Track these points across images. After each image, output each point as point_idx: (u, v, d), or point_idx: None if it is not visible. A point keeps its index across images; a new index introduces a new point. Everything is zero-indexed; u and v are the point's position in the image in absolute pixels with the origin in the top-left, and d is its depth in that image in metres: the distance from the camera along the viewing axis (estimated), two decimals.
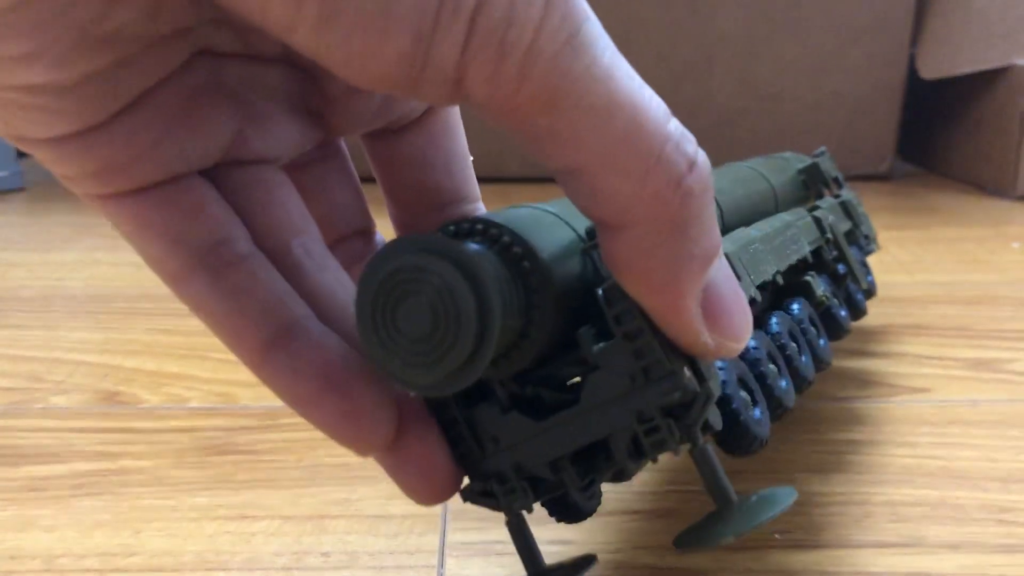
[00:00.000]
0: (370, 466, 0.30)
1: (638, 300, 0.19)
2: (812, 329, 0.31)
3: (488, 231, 0.19)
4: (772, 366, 0.27)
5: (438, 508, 0.31)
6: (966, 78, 0.83)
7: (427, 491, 0.22)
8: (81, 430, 0.36)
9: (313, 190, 0.24)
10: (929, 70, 0.84)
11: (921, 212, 0.79)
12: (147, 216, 0.20)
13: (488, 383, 0.21)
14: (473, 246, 0.19)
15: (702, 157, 0.18)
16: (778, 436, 0.36)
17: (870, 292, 0.41)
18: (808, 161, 0.43)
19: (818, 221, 0.36)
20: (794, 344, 0.29)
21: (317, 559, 0.28)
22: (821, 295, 0.32)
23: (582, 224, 0.21)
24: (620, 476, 0.23)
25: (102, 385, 0.41)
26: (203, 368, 0.42)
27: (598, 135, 0.16)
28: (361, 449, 0.21)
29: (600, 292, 0.20)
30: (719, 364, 0.24)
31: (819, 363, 0.30)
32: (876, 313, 0.51)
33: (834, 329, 0.33)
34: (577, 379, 0.21)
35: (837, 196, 0.42)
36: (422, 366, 0.17)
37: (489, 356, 0.17)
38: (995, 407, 0.40)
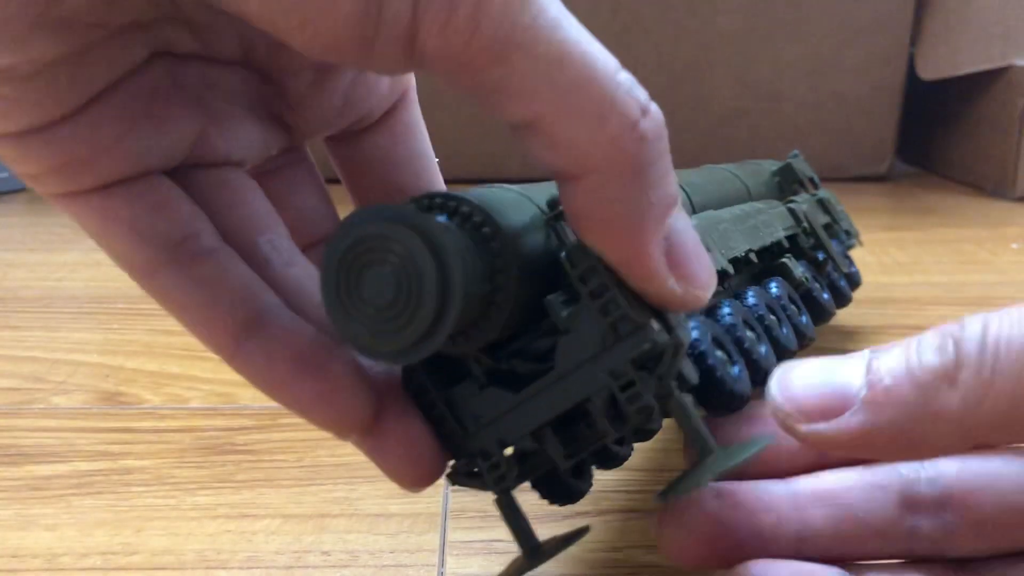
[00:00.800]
0: (370, 465, 0.30)
1: (602, 252, 0.19)
2: (792, 306, 0.31)
3: (447, 203, 0.20)
4: (750, 332, 0.27)
5: (438, 507, 0.31)
6: (965, 78, 0.83)
7: (411, 474, 0.22)
8: (82, 430, 0.37)
9: (280, 196, 0.24)
10: (928, 71, 0.84)
11: (920, 212, 0.79)
12: (113, 212, 0.20)
13: (463, 362, 0.21)
14: (435, 216, 0.19)
15: (654, 106, 0.18)
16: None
17: (853, 280, 0.41)
18: (781, 163, 0.44)
19: (792, 211, 0.36)
20: (773, 317, 0.29)
21: (317, 558, 0.28)
22: (800, 276, 0.33)
23: (541, 200, 0.22)
24: (610, 458, 0.23)
25: (103, 385, 0.41)
26: (204, 368, 0.42)
27: (551, 83, 0.17)
28: (339, 430, 0.21)
29: (563, 254, 0.20)
30: (692, 325, 0.24)
31: (802, 338, 0.30)
32: (875, 314, 0.51)
33: (817, 311, 0.34)
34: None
35: (814, 195, 0.42)
36: (387, 333, 0.18)
37: (451, 322, 0.17)
38: None
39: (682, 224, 0.19)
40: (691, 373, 0.22)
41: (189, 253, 0.21)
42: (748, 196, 0.38)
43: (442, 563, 0.28)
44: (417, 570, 0.28)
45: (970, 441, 0.20)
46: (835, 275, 0.38)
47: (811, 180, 0.43)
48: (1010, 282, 0.59)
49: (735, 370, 0.25)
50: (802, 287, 0.33)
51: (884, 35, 0.84)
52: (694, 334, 0.24)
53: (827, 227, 0.40)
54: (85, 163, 0.19)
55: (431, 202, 0.20)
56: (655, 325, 0.20)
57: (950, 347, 0.19)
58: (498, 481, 0.22)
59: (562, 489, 0.24)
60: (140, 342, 0.46)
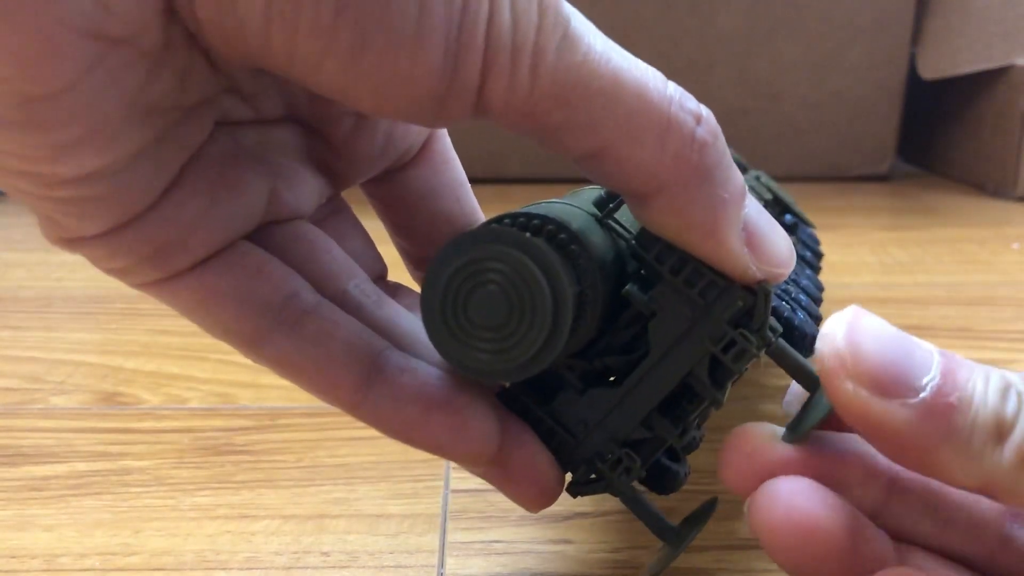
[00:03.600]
0: (370, 466, 0.30)
1: (687, 251, 0.20)
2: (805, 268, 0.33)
3: (531, 222, 0.20)
4: (784, 303, 0.27)
5: (438, 508, 0.31)
6: (966, 78, 0.83)
7: (538, 496, 0.23)
8: (81, 430, 0.36)
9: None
10: (929, 70, 0.84)
11: (921, 212, 0.79)
12: (211, 287, 0.20)
13: (554, 374, 0.22)
14: (533, 236, 0.19)
15: (705, 109, 0.19)
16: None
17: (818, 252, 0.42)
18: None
19: (751, 187, 0.37)
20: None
21: (317, 558, 0.28)
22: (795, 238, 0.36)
23: (590, 205, 0.22)
24: (713, 405, 0.23)
25: (102, 386, 0.41)
26: (202, 368, 0.42)
27: (609, 115, 0.17)
28: (474, 461, 0.22)
29: (634, 242, 0.21)
30: None
31: (815, 300, 0.31)
32: (876, 313, 0.51)
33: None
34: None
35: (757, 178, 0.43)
36: (498, 353, 0.19)
37: (564, 340, 0.18)
38: None
39: (754, 208, 0.20)
40: (775, 324, 0.22)
41: (294, 314, 0.21)
42: None
43: (442, 564, 0.28)
44: (417, 571, 0.28)
45: (987, 494, 0.19)
46: (804, 233, 0.40)
47: (739, 164, 0.45)
48: (1011, 282, 0.59)
49: (800, 316, 0.26)
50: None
51: (885, 35, 0.84)
52: None
53: (774, 201, 0.40)
54: (176, 245, 0.19)
55: (515, 221, 0.20)
56: (738, 285, 0.20)
57: (1013, 400, 0.19)
58: (624, 476, 0.22)
59: (667, 476, 0.24)
60: (139, 342, 0.46)
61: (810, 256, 0.37)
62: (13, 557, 0.28)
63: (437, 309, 0.19)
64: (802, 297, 0.29)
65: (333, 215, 0.25)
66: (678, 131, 0.18)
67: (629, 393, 0.22)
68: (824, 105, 0.86)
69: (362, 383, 0.21)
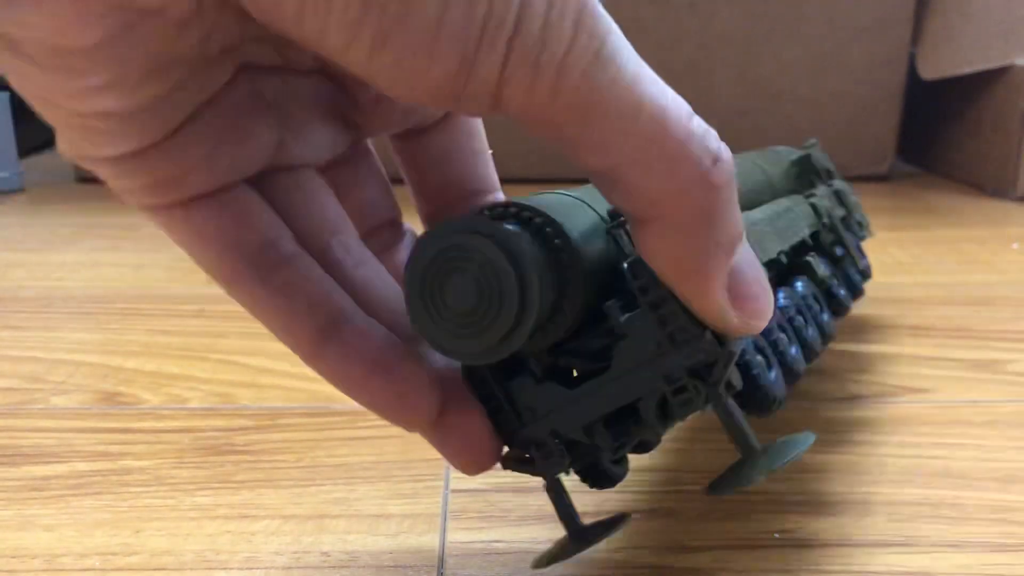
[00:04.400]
0: (369, 465, 0.30)
1: (669, 286, 0.20)
2: (816, 305, 0.32)
3: (521, 213, 0.21)
4: (783, 334, 0.28)
5: (438, 508, 0.31)
6: (966, 78, 0.83)
7: (471, 460, 0.23)
8: (81, 430, 0.37)
9: (346, 187, 0.25)
10: (929, 70, 0.84)
11: (921, 212, 0.79)
12: (200, 224, 0.21)
13: (522, 357, 0.23)
14: (512, 227, 0.20)
15: (725, 152, 0.19)
16: (777, 435, 0.36)
17: (865, 274, 0.42)
18: (800, 153, 0.43)
19: (815, 207, 0.37)
20: (801, 317, 0.30)
21: (317, 558, 0.28)
22: (823, 274, 0.34)
23: (604, 207, 0.23)
24: (645, 446, 0.24)
25: (102, 385, 0.41)
26: (203, 368, 0.42)
27: (626, 139, 0.18)
28: (409, 424, 0.22)
29: (625, 266, 0.21)
30: None
31: (824, 336, 0.31)
32: (876, 314, 0.51)
33: (835, 306, 0.35)
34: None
35: (830, 185, 0.43)
36: (468, 337, 0.19)
37: (529, 328, 0.19)
38: (995, 407, 0.40)
39: (746, 258, 0.20)
40: (737, 380, 0.23)
41: (271, 261, 0.22)
42: (770, 187, 0.39)
43: (442, 564, 0.28)
44: (417, 571, 0.28)
45: None
46: (851, 270, 0.39)
47: (827, 171, 0.44)
48: (1010, 282, 0.59)
49: (772, 375, 0.26)
50: (823, 285, 0.34)
51: (885, 35, 0.84)
52: (741, 341, 0.25)
53: (843, 220, 0.40)
54: (173, 181, 0.20)
55: (505, 211, 0.21)
56: (709, 336, 0.21)
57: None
58: (550, 468, 0.23)
59: (604, 475, 0.25)
60: (139, 342, 0.46)
61: (843, 294, 0.36)
62: (14, 557, 0.28)
63: (416, 290, 0.19)
64: (793, 350, 0.28)
65: (352, 160, 0.25)
66: (691, 166, 0.18)
67: (581, 398, 0.22)
68: (824, 105, 0.86)
69: (319, 338, 0.22)
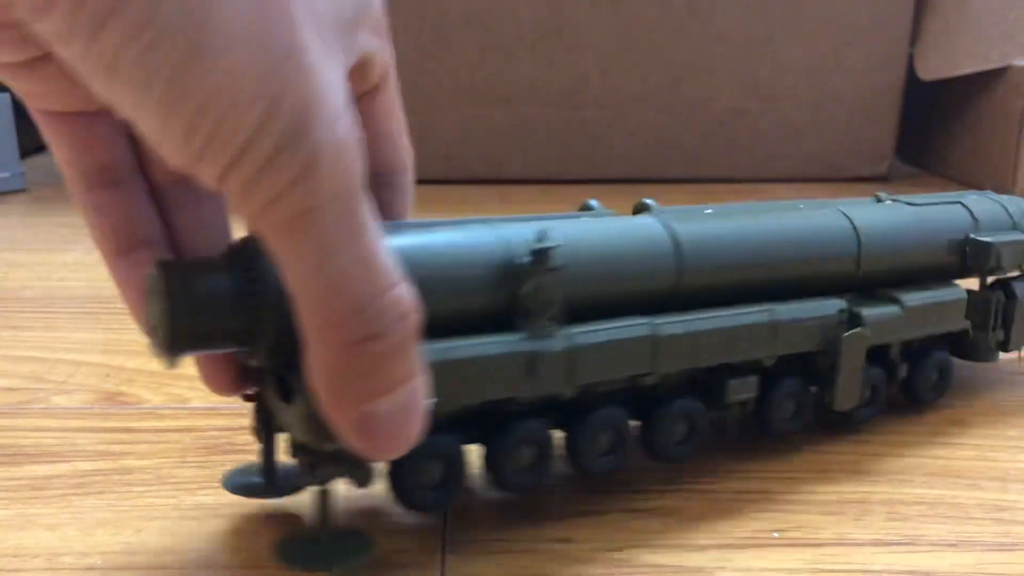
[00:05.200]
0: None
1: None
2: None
3: (235, 257, 0.25)
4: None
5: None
6: (965, 79, 0.83)
7: (207, 382, 0.28)
8: (83, 430, 0.37)
9: None
10: (928, 71, 0.84)
11: None
12: (63, 134, 0.26)
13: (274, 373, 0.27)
14: (185, 264, 0.25)
15: (390, 327, 0.21)
16: (777, 435, 0.36)
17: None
18: (1006, 208, 0.41)
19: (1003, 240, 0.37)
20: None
21: None
22: (728, 399, 0.33)
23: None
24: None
25: (104, 385, 0.41)
26: None
27: (304, 287, 0.21)
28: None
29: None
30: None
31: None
32: None
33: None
34: None
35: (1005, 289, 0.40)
36: (154, 338, 0.24)
37: (170, 339, 0.23)
38: (995, 407, 0.40)
39: (385, 409, 0.22)
40: (365, 477, 0.27)
41: (101, 180, 0.26)
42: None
43: (442, 563, 0.28)
44: (417, 570, 0.28)
45: None
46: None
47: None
48: None
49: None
50: (729, 411, 0.34)
51: (884, 36, 0.84)
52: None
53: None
54: (51, 95, 0.24)
55: (233, 250, 0.25)
56: (327, 447, 0.25)
57: None
58: (303, 478, 0.27)
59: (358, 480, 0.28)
60: (140, 342, 0.46)
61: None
62: (15, 556, 0.28)
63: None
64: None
65: None
66: (337, 336, 0.21)
67: (289, 414, 0.25)
68: (823, 106, 0.86)
69: (115, 254, 0.27)
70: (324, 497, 0.27)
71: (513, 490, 0.30)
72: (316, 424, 0.23)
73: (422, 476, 0.28)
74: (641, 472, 0.34)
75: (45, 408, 0.39)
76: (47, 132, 0.26)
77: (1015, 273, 0.41)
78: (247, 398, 0.29)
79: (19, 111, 0.78)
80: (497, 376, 0.28)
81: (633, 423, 0.32)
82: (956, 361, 0.40)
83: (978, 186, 0.83)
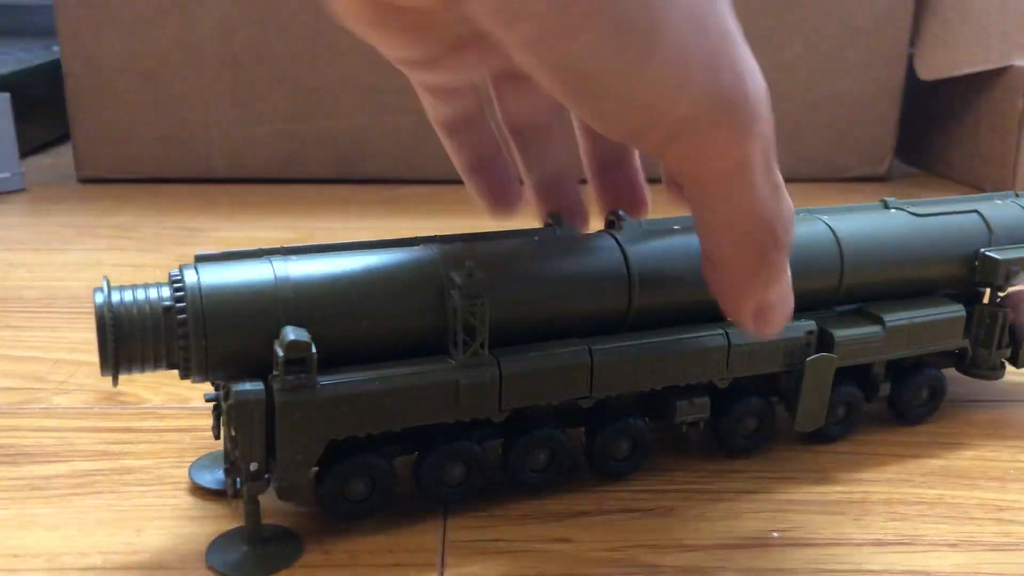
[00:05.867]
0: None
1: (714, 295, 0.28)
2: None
3: (176, 287, 0.27)
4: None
5: (439, 507, 0.31)
6: (965, 78, 0.83)
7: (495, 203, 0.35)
8: (83, 430, 0.37)
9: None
10: (927, 71, 0.84)
11: None
12: (438, 97, 0.32)
13: None
14: (115, 294, 0.27)
15: (789, 236, 0.26)
16: (777, 435, 0.36)
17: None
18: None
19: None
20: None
21: (318, 557, 0.29)
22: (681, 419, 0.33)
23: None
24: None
25: (103, 385, 0.41)
26: None
27: (735, 214, 0.25)
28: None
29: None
30: None
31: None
32: None
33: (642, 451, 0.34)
34: None
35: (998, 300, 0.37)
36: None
37: (109, 355, 0.26)
38: (994, 407, 0.40)
39: (776, 295, 0.27)
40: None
41: (460, 123, 0.33)
42: (837, 279, 0.35)
43: (442, 563, 0.28)
44: (417, 570, 0.28)
45: None
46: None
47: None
48: None
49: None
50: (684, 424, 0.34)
51: (884, 35, 0.84)
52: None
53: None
54: (437, 79, 0.30)
55: (178, 273, 0.28)
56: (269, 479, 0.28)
57: None
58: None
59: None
60: None
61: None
62: (15, 556, 0.28)
63: None
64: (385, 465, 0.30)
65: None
66: (757, 249, 0.26)
67: None
68: (823, 105, 0.86)
69: (468, 171, 0.34)
70: (253, 507, 0.28)
71: (444, 501, 0.31)
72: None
73: (349, 489, 0.29)
74: (641, 472, 0.34)
75: (45, 408, 0.39)
76: (423, 95, 0.32)
77: None
78: (209, 400, 0.31)
79: (19, 111, 0.78)
80: (425, 404, 0.28)
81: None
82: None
83: (979, 188, 0.83)
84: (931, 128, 0.92)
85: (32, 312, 0.50)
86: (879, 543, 0.30)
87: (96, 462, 0.34)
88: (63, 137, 0.90)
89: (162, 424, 0.37)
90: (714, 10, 0.23)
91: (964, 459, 0.36)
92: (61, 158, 0.88)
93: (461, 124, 0.34)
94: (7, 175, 0.78)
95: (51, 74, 0.86)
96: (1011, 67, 0.80)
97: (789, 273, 0.27)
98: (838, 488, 0.33)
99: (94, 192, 0.78)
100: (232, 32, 0.77)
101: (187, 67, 0.78)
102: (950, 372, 0.39)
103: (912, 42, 0.85)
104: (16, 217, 0.71)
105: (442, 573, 0.28)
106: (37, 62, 0.93)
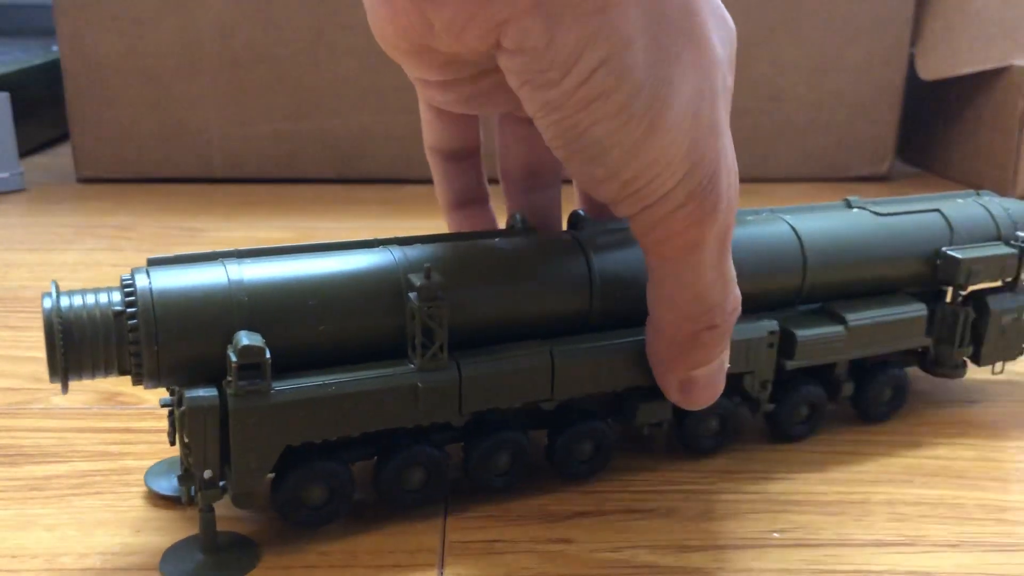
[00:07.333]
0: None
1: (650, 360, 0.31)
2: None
3: (128, 291, 0.27)
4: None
5: (439, 507, 0.31)
6: (965, 78, 0.83)
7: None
8: (82, 430, 0.37)
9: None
10: (928, 71, 0.84)
11: None
12: (438, 123, 0.33)
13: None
14: (81, 300, 0.27)
15: (726, 320, 0.29)
16: (777, 435, 0.36)
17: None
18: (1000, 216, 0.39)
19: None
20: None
21: (317, 557, 0.28)
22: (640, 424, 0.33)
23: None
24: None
25: (102, 385, 0.41)
26: None
27: (679, 291, 0.28)
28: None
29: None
30: None
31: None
32: None
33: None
34: None
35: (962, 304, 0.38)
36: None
37: (58, 362, 0.26)
38: (995, 407, 0.40)
39: (705, 373, 0.30)
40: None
41: (453, 155, 0.34)
42: (800, 274, 0.35)
43: (442, 563, 0.28)
44: (417, 570, 0.28)
45: None
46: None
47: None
48: None
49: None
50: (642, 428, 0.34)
51: (884, 35, 0.84)
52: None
53: None
54: (444, 103, 0.29)
55: (129, 277, 0.27)
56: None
57: None
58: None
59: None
60: None
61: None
62: (14, 556, 0.28)
63: None
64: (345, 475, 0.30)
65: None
66: (690, 327, 0.29)
67: None
68: (824, 105, 0.86)
69: (452, 208, 0.35)
70: (208, 516, 0.28)
71: (402, 506, 0.30)
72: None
73: (306, 496, 0.29)
74: (641, 472, 0.34)
75: (44, 408, 0.39)
76: (425, 115, 0.33)
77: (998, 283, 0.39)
78: (164, 406, 0.30)
79: (18, 111, 0.78)
80: (383, 408, 0.28)
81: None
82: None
83: (979, 185, 0.83)
84: (932, 128, 0.92)
85: (32, 312, 0.50)
86: (881, 543, 0.30)
87: (95, 462, 0.34)
88: (62, 137, 0.90)
89: (161, 424, 0.37)
90: (710, 104, 0.25)
91: (966, 459, 0.36)
92: (60, 158, 0.88)
93: (458, 155, 0.34)
94: (6, 175, 0.78)
95: (50, 74, 0.86)
96: (1011, 67, 0.80)
97: (726, 358, 0.30)
98: (839, 488, 0.33)
99: (93, 192, 0.78)
100: (232, 32, 0.77)
101: (186, 67, 0.78)
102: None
103: (913, 42, 0.85)
104: (15, 217, 0.71)
105: (442, 573, 0.28)
106: (36, 62, 0.93)
